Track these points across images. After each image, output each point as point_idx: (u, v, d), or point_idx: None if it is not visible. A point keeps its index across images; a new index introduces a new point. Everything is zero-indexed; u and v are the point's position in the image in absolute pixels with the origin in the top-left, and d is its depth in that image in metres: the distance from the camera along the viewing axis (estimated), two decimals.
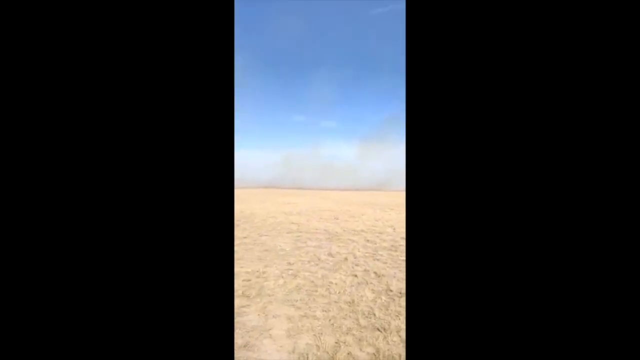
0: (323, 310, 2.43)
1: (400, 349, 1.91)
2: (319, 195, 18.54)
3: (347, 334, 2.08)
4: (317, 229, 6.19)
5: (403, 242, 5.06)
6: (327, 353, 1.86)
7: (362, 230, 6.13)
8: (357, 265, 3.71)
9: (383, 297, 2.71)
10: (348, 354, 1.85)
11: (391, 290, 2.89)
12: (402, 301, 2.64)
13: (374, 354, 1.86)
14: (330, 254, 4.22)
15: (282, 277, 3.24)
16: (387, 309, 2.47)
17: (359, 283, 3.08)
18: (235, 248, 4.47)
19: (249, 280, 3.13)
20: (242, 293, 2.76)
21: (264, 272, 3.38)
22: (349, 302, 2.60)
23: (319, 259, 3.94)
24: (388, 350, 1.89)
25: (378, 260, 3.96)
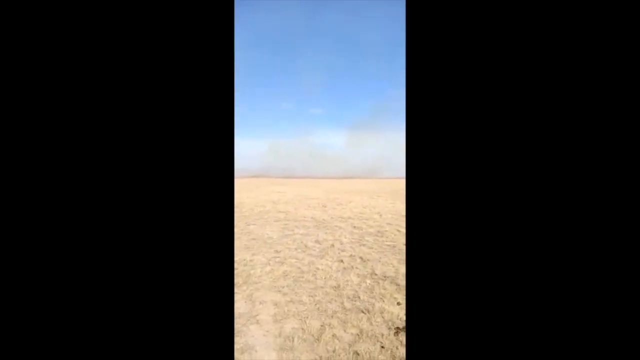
0: (309, 296, 2.47)
1: (383, 329, 1.98)
2: (308, 184, 18.53)
3: (332, 317, 2.13)
4: (304, 217, 6.21)
5: (389, 228, 5.17)
6: (313, 336, 1.90)
7: (350, 217, 6.20)
8: (343, 251, 3.77)
9: (368, 281, 2.78)
10: (333, 335, 1.90)
11: (376, 274, 2.96)
12: (386, 284, 2.72)
13: (357, 334, 1.92)
14: (317, 241, 4.26)
15: (269, 264, 3.25)
16: (372, 292, 2.53)
17: (344, 268, 3.14)
18: None
19: (236, 268, 3.13)
20: None
21: (251, 260, 3.39)
22: (335, 287, 2.66)
23: (306, 246, 3.97)
24: (371, 330, 1.96)
25: (364, 245, 4.03)
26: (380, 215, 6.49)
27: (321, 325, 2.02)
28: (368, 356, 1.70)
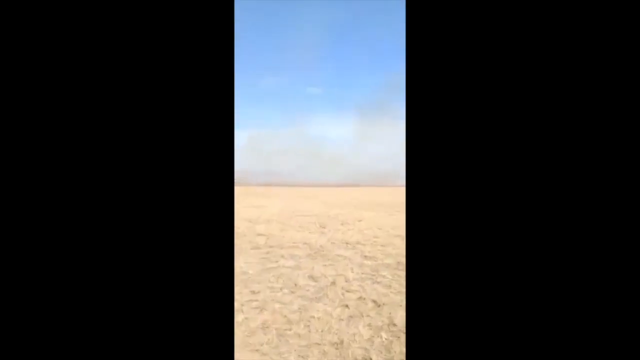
0: (299, 356, 2.46)
1: None
2: (300, 193, 18.55)
3: None
4: (294, 242, 6.22)
5: None
6: None
7: (359, 243, 6.21)
8: (348, 291, 3.77)
9: (383, 335, 2.77)
10: None
11: (395, 325, 2.94)
12: None
13: None
14: (311, 277, 4.26)
15: (242, 311, 3.24)
16: (389, 351, 2.52)
17: (350, 316, 3.13)
18: None
19: None
20: None
21: None
22: (336, 344, 2.63)
23: (295, 285, 3.98)
24: None
25: (378, 283, 4.04)
26: (403, 240, 6.48)
27: None
28: None
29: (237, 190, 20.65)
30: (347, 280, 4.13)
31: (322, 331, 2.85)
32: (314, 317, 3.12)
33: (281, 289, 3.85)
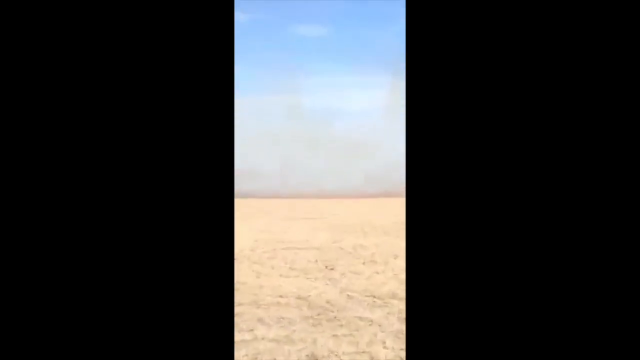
0: None
1: None
2: (293, 209, 17.60)
3: None
4: (282, 296, 5.51)
5: None
6: None
7: (394, 296, 5.47)
8: None
9: None
10: None
11: None
12: None
13: None
14: (313, 357, 3.64)
15: None
16: None
17: None
18: None
19: None
20: None
21: None
22: None
23: None
24: None
25: None
26: None
27: None
28: None
29: None
30: None
31: None
32: None
33: None
